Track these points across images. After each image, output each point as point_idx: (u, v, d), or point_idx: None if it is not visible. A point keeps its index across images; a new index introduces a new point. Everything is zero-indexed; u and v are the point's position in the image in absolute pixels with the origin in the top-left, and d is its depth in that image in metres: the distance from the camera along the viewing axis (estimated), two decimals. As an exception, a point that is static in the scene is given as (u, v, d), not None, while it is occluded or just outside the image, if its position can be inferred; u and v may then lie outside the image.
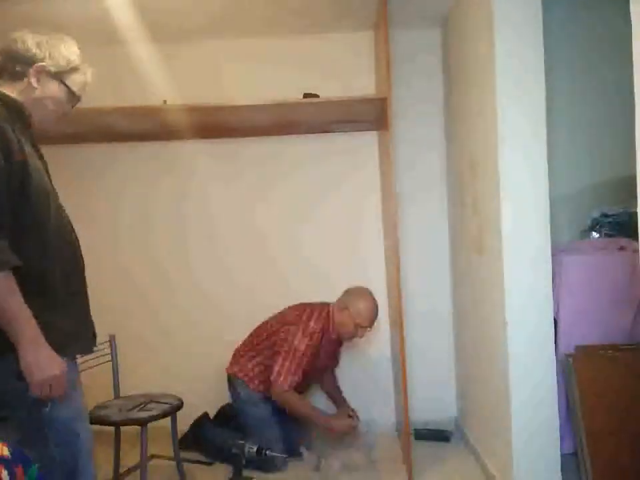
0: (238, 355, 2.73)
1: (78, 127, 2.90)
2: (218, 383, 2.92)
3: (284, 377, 2.49)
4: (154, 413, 2.17)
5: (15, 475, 1.22)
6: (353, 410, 2.71)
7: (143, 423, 2.12)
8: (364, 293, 2.64)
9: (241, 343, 2.78)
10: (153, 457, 2.48)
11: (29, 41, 1.44)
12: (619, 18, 1.51)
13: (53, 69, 1.46)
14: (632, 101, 1.20)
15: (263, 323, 2.77)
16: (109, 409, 2.24)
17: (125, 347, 2.61)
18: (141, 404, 2.26)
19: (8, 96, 1.41)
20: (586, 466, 2.08)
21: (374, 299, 2.62)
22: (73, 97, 1.57)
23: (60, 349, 1.36)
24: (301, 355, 2.52)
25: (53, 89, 1.49)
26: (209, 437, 2.72)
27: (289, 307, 2.76)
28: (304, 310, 2.65)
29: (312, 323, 2.58)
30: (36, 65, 1.43)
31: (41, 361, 1.31)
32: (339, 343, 2.76)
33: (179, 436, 2.61)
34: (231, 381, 2.68)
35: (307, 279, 3.04)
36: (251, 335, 2.77)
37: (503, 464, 2.21)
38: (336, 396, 2.91)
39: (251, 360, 2.67)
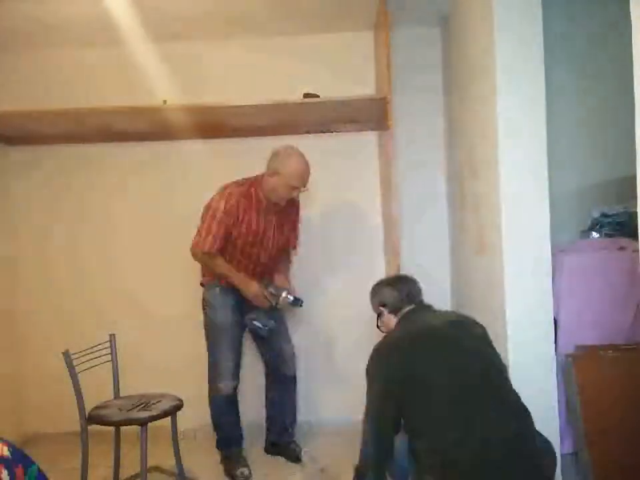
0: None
1: (78, 127, 2.90)
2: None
3: (204, 236, 2.43)
4: (154, 413, 2.16)
5: (14, 474, 1.22)
6: (282, 290, 2.59)
7: (143, 423, 2.12)
8: (292, 153, 2.48)
9: None
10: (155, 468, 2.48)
11: None
12: (619, 18, 1.51)
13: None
14: (632, 100, 1.20)
15: None
16: (108, 408, 2.24)
17: (125, 347, 2.60)
18: (141, 404, 2.25)
19: None
20: (586, 466, 2.08)
21: (303, 156, 2.49)
22: None
23: None
24: (221, 215, 2.43)
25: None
26: None
27: None
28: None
29: (230, 188, 2.50)
30: None
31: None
32: (284, 214, 2.63)
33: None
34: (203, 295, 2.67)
35: (306, 279, 3.03)
36: None
37: (503, 464, 2.21)
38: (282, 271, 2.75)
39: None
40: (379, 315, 1.99)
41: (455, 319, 1.94)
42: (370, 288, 2.78)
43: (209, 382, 2.62)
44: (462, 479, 1.55)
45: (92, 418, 2.16)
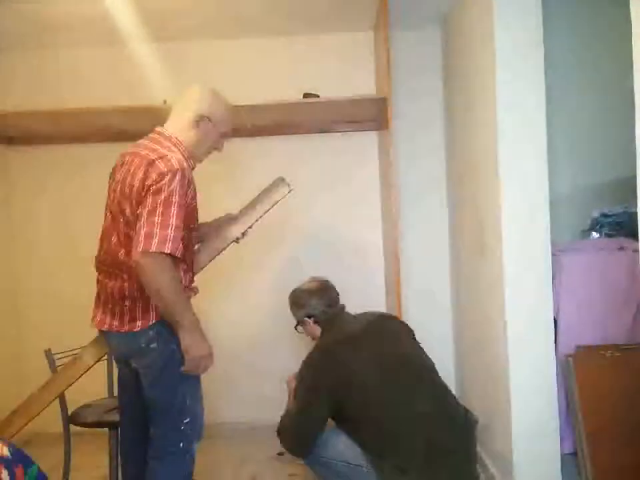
0: None
1: (78, 127, 2.90)
2: (217, 382, 2.91)
3: (158, 234, 1.58)
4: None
5: (14, 474, 1.22)
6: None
7: (113, 426, 2.09)
8: (215, 93, 1.89)
9: None
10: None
11: None
12: (619, 17, 1.51)
13: None
14: (632, 100, 1.20)
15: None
16: (90, 408, 2.22)
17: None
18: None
19: None
20: (586, 466, 2.08)
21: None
22: None
23: None
24: (178, 197, 1.63)
25: None
26: None
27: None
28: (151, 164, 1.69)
29: (169, 153, 1.74)
30: None
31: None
32: None
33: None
34: None
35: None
36: None
37: (503, 464, 2.21)
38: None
39: None
40: (302, 323, 2.13)
41: (374, 319, 2.08)
42: (369, 289, 2.79)
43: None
44: (404, 452, 1.76)
45: (72, 417, 2.17)
